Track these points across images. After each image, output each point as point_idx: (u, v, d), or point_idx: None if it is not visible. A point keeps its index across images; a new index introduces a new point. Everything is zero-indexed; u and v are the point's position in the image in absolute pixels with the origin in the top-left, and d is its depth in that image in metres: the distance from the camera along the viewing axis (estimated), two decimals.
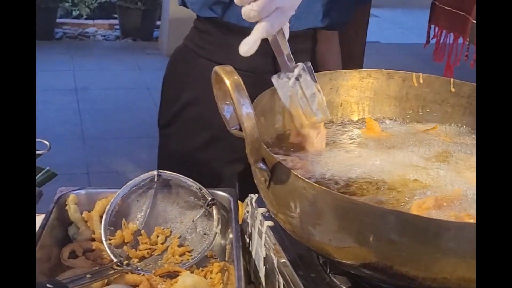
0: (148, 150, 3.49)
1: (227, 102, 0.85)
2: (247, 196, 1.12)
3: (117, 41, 6.40)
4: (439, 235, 0.68)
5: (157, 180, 1.21)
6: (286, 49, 0.92)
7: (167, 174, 1.21)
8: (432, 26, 1.55)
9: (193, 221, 1.19)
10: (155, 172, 1.21)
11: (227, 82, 0.76)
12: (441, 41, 1.54)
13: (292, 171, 0.75)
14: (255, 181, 0.87)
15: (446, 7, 1.51)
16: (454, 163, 0.92)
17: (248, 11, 0.87)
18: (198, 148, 1.52)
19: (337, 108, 1.10)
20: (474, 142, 1.01)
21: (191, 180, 1.20)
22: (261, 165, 0.78)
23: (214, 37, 1.47)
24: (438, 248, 0.69)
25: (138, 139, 3.98)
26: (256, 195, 1.07)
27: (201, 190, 1.19)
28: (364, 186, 0.83)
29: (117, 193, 1.18)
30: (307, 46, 1.51)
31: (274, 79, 0.93)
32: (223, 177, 1.55)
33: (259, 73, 1.44)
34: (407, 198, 0.80)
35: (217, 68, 0.78)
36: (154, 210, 1.20)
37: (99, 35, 6.42)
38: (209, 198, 1.18)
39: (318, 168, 0.86)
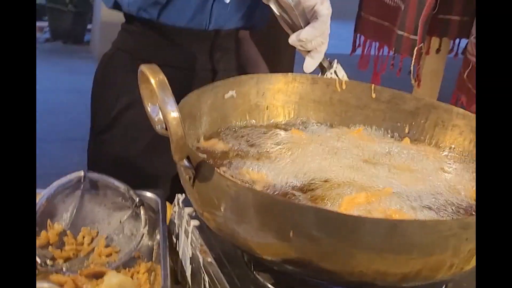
0: (80, 152, 3.46)
1: (153, 102, 0.85)
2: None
3: (47, 43, 6.29)
4: (355, 230, 0.71)
5: (83, 180, 1.20)
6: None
7: (95, 175, 1.21)
8: (358, 35, 1.61)
9: (120, 222, 1.19)
10: (82, 173, 1.20)
11: (152, 81, 0.77)
12: (366, 50, 1.59)
13: (215, 168, 0.77)
14: (180, 179, 0.89)
15: (371, 18, 1.57)
16: (385, 164, 0.97)
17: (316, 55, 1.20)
18: (140, 151, 1.51)
19: (263, 111, 1.12)
20: (397, 144, 1.06)
21: (118, 181, 1.20)
22: (186, 163, 0.80)
23: (149, 39, 1.47)
24: (354, 242, 0.72)
25: (69, 142, 3.93)
26: (183, 195, 1.08)
27: (129, 191, 1.20)
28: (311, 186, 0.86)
29: (42, 194, 1.17)
30: (232, 46, 1.53)
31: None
32: (164, 179, 1.55)
33: (196, 70, 1.47)
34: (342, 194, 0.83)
35: (143, 67, 0.80)
36: (81, 211, 1.19)
37: None
38: (137, 199, 1.19)
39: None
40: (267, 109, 1.13)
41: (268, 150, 0.97)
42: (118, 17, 1.55)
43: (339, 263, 0.74)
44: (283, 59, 2.21)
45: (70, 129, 4.11)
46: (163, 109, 0.76)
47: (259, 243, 0.79)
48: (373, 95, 1.15)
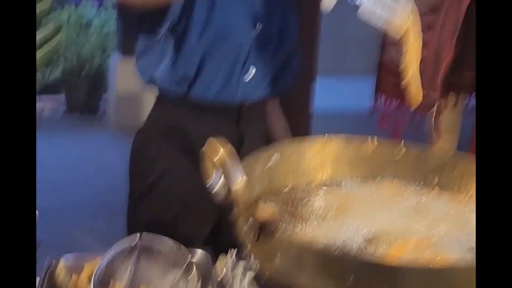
0: (106, 222, 3.56)
1: (214, 172, 0.97)
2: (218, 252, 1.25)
3: (65, 115, 6.37)
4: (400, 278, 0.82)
5: (139, 241, 1.31)
6: None
7: (149, 236, 1.31)
8: (379, 94, 1.73)
9: (175, 278, 1.29)
10: (137, 236, 1.31)
11: (222, 150, 0.89)
12: (383, 107, 1.72)
13: (277, 228, 0.89)
14: (240, 236, 1.00)
15: (390, 78, 1.70)
16: (428, 215, 1.09)
17: None
18: (172, 216, 1.63)
19: (303, 172, 1.24)
20: (431, 194, 1.17)
21: (171, 240, 1.31)
22: (251, 222, 0.91)
23: (181, 111, 1.60)
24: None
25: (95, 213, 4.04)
26: (235, 249, 1.19)
27: (181, 250, 1.30)
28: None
29: (104, 255, 1.28)
30: (257, 115, 1.65)
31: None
32: (194, 241, 1.65)
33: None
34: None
35: (212, 140, 0.92)
36: (138, 269, 1.29)
37: (46, 110, 6.38)
38: (189, 256, 1.29)
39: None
40: (306, 169, 1.24)
41: (315, 209, 1.09)
42: (132, 87, 1.68)
43: None
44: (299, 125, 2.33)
45: (95, 201, 4.21)
46: (232, 175, 0.87)
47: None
48: (403, 150, 1.26)
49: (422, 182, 1.25)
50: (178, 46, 1.52)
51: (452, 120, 1.78)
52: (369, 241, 0.97)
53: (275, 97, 1.69)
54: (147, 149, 1.66)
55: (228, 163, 0.88)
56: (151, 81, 1.60)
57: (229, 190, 0.97)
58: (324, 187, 1.20)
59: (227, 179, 0.91)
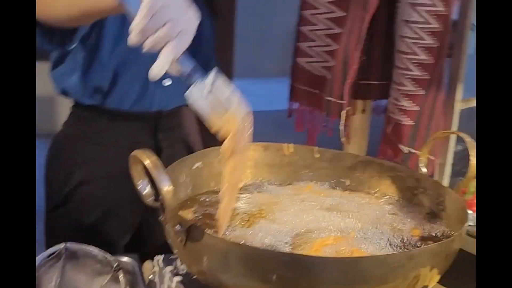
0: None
1: (142, 180, 1.02)
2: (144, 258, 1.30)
3: None
4: (320, 269, 0.89)
5: (64, 251, 1.33)
6: (191, 63, 1.04)
7: (74, 245, 1.34)
8: (294, 101, 1.83)
9: (101, 286, 1.33)
10: (62, 245, 1.33)
11: (147, 161, 0.94)
12: (298, 113, 1.81)
13: (205, 230, 0.94)
14: (169, 241, 1.05)
15: (302, 87, 1.80)
16: (345, 211, 1.18)
17: (154, 40, 0.98)
18: (92, 225, 1.65)
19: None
20: (345, 195, 1.26)
21: (97, 248, 1.34)
22: (178, 228, 0.97)
23: (96, 122, 1.60)
24: (319, 279, 0.90)
25: None
26: (162, 255, 1.24)
27: (106, 258, 1.34)
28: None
29: None
30: (174, 123, 1.70)
31: (189, 94, 1.03)
32: (116, 248, 1.68)
33: (141, 147, 1.62)
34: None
35: (135, 152, 0.97)
36: (64, 279, 1.31)
37: None
38: (115, 264, 1.32)
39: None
40: None
41: (239, 212, 1.15)
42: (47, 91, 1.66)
43: None
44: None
45: None
46: (159, 185, 0.92)
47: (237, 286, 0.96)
48: (316, 155, 1.35)
49: (335, 184, 1.34)
50: (90, 59, 1.52)
51: (361, 125, 1.89)
52: (292, 240, 1.04)
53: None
54: (63, 158, 1.66)
55: (154, 172, 0.93)
56: (64, 92, 1.60)
57: (156, 197, 1.02)
58: (246, 193, 1.26)
59: (155, 187, 0.96)
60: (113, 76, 1.53)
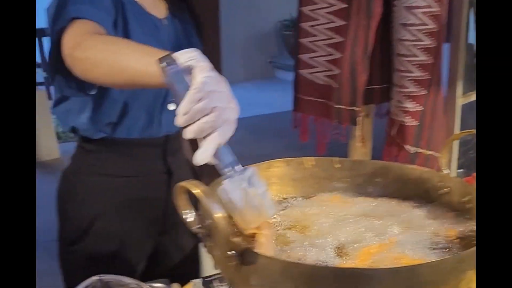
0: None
1: (187, 209, 1.04)
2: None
3: None
4: (378, 281, 0.92)
5: (99, 283, 1.34)
6: (231, 155, 1.05)
7: (107, 276, 1.35)
8: (297, 113, 1.86)
9: None
10: (96, 278, 1.34)
11: (197, 191, 0.96)
12: (302, 123, 1.84)
13: (259, 253, 0.97)
14: (219, 267, 1.07)
15: (306, 97, 1.83)
16: (378, 217, 1.21)
17: (201, 126, 0.98)
18: (110, 256, 1.66)
19: None
20: (372, 201, 1.30)
21: (129, 278, 1.35)
22: (231, 253, 0.98)
23: (106, 155, 1.62)
24: None
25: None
26: (200, 279, 1.26)
27: (140, 285, 1.35)
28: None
29: None
30: (179, 145, 1.72)
31: (226, 184, 1.04)
32: (134, 276, 1.69)
33: (153, 175, 1.64)
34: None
35: (184, 183, 0.98)
36: None
37: None
38: None
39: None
40: None
41: (279, 229, 1.18)
42: None
43: None
44: None
45: None
46: (210, 212, 0.94)
47: None
48: (336, 166, 1.38)
49: (358, 192, 1.37)
50: (100, 98, 1.54)
51: (365, 129, 1.93)
52: (337, 252, 1.07)
53: None
54: (76, 193, 1.66)
55: (205, 201, 0.95)
56: (73, 130, 1.61)
57: (202, 224, 1.05)
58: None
59: (206, 214, 0.99)
60: (122, 108, 1.54)
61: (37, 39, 6.47)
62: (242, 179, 1.05)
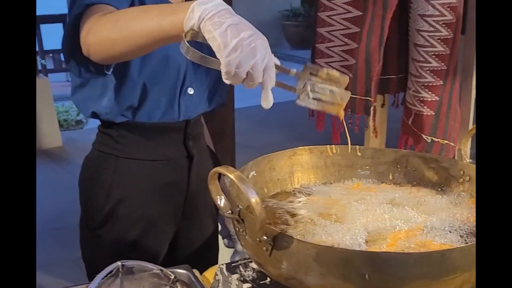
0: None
1: (219, 194, 1.07)
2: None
3: None
4: (403, 265, 0.95)
5: (121, 269, 1.36)
6: (291, 71, 1.19)
7: (129, 262, 1.37)
8: None
9: None
10: (119, 263, 1.37)
11: (232, 176, 0.98)
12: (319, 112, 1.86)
13: (294, 237, 0.99)
14: (250, 251, 1.09)
15: None
16: (402, 204, 1.24)
17: (250, 84, 1.12)
18: (133, 240, 1.68)
19: (276, 183, 1.35)
20: (396, 188, 1.33)
21: (151, 264, 1.37)
22: (265, 237, 1.01)
23: (128, 138, 1.63)
24: (408, 274, 0.96)
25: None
26: (224, 264, 1.28)
27: (162, 271, 1.37)
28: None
29: (89, 285, 1.32)
30: (199, 130, 1.74)
31: (298, 102, 1.20)
32: (156, 260, 1.72)
33: (174, 159, 1.66)
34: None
35: (218, 168, 1.00)
36: None
37: None
38: (172, 277, 1.36)
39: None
40: (278, 180, 1.36)
41: (307, 216, 1.20)
42: None
43: None
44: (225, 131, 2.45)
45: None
46: (247, 197, 0.96)
47: (324, 286, 1.00)
48: (358, 154, 1.41)
49: (380, 180, 1.40)
50: (120, 81, 1.55)
51: (380, 119, 1.96)
52: (367, 237, 1.10)
53: (213, 111, 1.77)
54: (100, 178, 1.68)
55: (241, 186, 0.97)
56: (94, 115, 1.62)
57: (234, 209, 1.07)
58: (301, 196, 1.31)
59: (240, 198, 1.01)
60: (142, 92, 1.56)
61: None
62: (308, 91, 1.21)
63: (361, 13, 1.69)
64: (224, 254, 1.88)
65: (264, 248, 1.02)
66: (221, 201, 1.08)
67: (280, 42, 9.46)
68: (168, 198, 1.68)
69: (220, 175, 1.05)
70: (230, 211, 1.08)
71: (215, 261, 1.85)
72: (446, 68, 1.71)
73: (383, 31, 1.64)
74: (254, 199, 0.97)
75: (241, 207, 1.06)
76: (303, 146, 1.41)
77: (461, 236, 1.12)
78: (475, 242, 1.08)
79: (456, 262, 0.96)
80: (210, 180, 1.06)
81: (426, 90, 1.72)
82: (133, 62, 1.52)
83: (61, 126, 5.91)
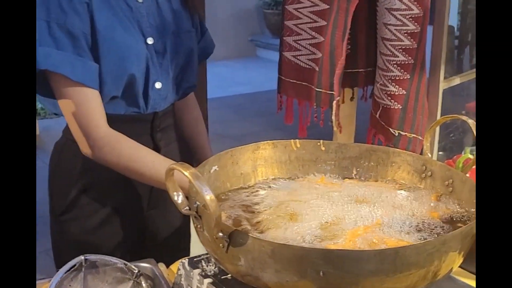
0: None
1: (176, 191, 1.06)
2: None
3: None
4: (357, 262, 0.95)
5: (84, 263, 1.36)
6: None
7: (92, 256, 1.37)
8: (281, 95, 1.89)
9: None
10: (82, 257, 1.36)
11: (186, 173, 0.97)
12: (287, 106, 1.87)
13: (249, 234, 0.99)
14: (207, 248, 1.09)
15: (291, 80, 1.85)
16: (362, 200, 1.25)
17: None
18: (97, 227, 1.69)
19: (239, 178, 1.35)
20: (357, 184, 1.33)
21: (115, 258, 1.37)
22: (220, 234, 1.01)
23: None
24: (362, 271, 0.96)
25: None
26: (187, 259, 1.28)
27: (126, 265, 1.37)
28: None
29: (51, 282, 1.32)
30: (170, 122, 1.74)
31: None
32: (121, 251, 1.72)
33: None
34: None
35: (174, 165, 1.00)
36: None
37: None
38: (136, 271, 1.36)
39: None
40: (241, 175, 1.35)
41: (266, 210, 1.20)
42: None
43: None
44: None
45: None
46: (201, 194, 0.96)
47: (280, 283, 1.00)
48: (322, 148, 1.41)
49: (343, 175, 1.40)
50: None
51: (349, 112, 1.96)
52: (323, 233, 1.10)
53: (183, 97, 1.76)
54: (65, 166, 1.69)
55: (196, 183, 0.97)
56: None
57: (192, 206, 1.07)
58: (262, 190, 1.31)
59: (196, 195, 1.01)
60: (106, 88, 1.55)
61: None
62: None
63: (328, 7, 1.68)
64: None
65: (221, 245, 1.02)
66: (179, 198, 1.08)
67: (261, 30, 9.42)
68: (132, 188, 1.68)
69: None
70: (187, 208, 1.08)
71: (186, 253, 1.86)
72: (413, 62, 1.71)
73: (346, 25, 1.63)
74: (209, 196, 0.96)
75: (199, 203, 1.06)
76: (281, 135, 1.40)
77: (418, 232, 1.13)
78: (429, 240, 1.09)
79: (410, 259, 0.97)
80: (167, 176, 1.05)
81: (393, 84, 1.73)
82: (108, 57, 1.53)
83: (38, 114, 5.86)
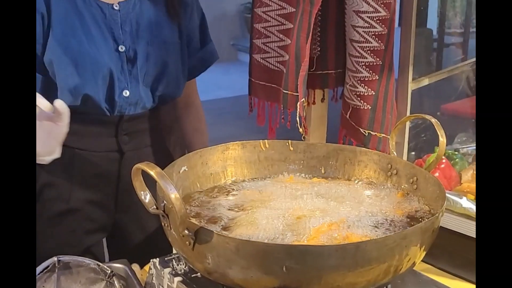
0: None
1: (143, 190, 1.08)
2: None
3: None
4: (319, 257, 0.98)
5: (58, 264, 1.37)
6: None
7: (66, 257, 1.38)
8: (252, 97, 1.91)
9: None
10: (55, 258, 1.37)
11: (152, 172, 0.99)
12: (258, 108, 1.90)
13: (214, 232, 1.01)
14: (175, 246, 1.11)
15: (260, 82, 1.87)
16: (329, 198, 1.27)
17: None
18: (57, 220, 1.71)
19: (208, 178, 1.37)
20: (324, 182, 1.36)
21: (88, 259, 1.38)
22: (187, 232, 1.03)
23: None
24: (325, 266, 0.98)
25: None
26: (157, 259, 1.30)
27: (99, 265, 1.38)
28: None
29: None
30: (140, 127, 1.73)
31: None
32: (85, 247, 1.73)
33: (105, 152, 1.67)
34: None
35: (140, 165, 1.02)
36: None
37: None
38: (109, 271, 1.37)
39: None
40: (211, 175, 1.37)
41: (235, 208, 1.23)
42: None
43: (321, 284, 1.00)
44: None
45: None
46: (166, 193, 0.98)
47: (246, 279, 1.03)
48: (291, 148, 1.43)
49: (312, 174, 1.42)
50: (48, 82, 1.58)
51: (320, 114, 1.99)
52: (289, 229, 1.13)
53: (165, 104, 1.77)
54: None
55: (161, 182, 0.99)
56: None
57: (159, 205, 1.09)
58: (234, 191, 1.34)
59: (162, 195, 1.03)
60: (72, 90, 1.57)
61: None
62: None
63: (294, 9, 1.71)
64: None
65: (187, 242, 1.04)
66: (146, 197, 1.10)
67: (243, 34, 9.45)
68: (96, 188, 1.69)
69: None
70: (155, 207, 1.10)
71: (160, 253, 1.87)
72: (381, 63, 1.74)
73: (309, 27, 1.66)
74: (173, 195, 0.99)
75: (165, 202, 1.08)
76: (263, 138, 1.43)
77: (382, 229, 1.15)
78: (389, 234, 1.12)
79: (371, 254, 0.99)
80: (134, 176, 1.07)
81: (362, 84, 1.76)
82: (63, 68, 1.55)
83: None
